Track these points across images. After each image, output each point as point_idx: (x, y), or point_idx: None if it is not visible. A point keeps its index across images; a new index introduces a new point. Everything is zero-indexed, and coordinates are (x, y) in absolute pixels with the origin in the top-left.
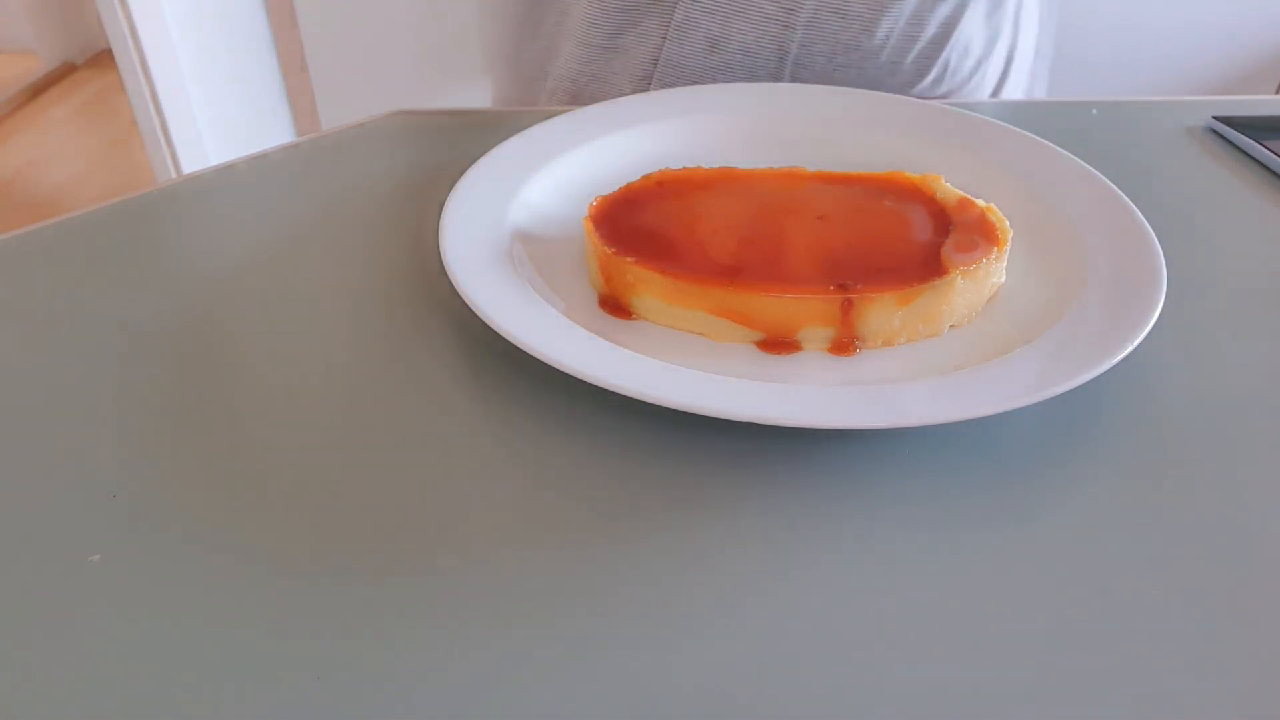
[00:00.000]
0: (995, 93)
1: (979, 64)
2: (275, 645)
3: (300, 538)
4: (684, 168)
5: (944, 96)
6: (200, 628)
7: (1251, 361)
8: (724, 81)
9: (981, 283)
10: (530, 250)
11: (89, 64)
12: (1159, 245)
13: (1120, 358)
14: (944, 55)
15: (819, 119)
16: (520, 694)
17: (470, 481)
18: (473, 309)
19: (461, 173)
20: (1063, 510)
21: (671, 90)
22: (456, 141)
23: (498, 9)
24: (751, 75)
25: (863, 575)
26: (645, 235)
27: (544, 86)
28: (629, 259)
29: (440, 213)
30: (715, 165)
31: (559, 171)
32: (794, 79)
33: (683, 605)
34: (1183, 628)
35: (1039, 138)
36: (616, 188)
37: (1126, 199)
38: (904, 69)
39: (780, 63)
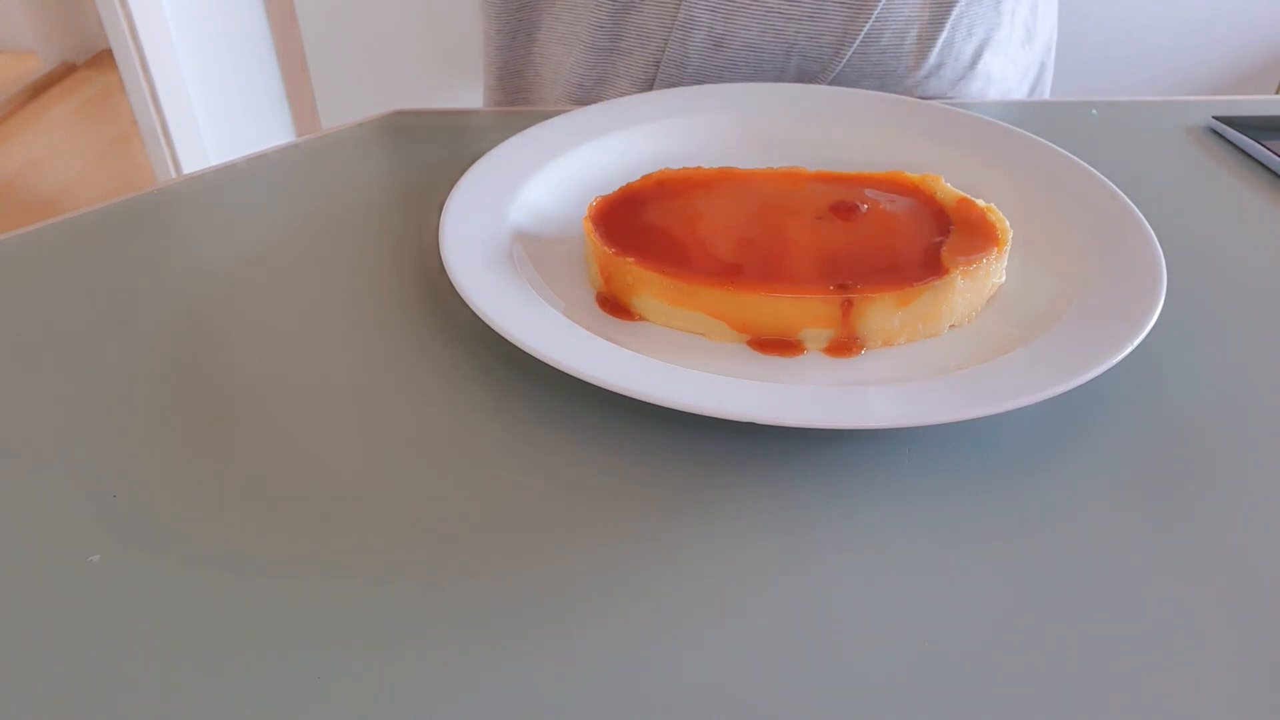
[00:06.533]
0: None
1: (981, 47)
2: (274, 645)
3: (300, 537)
4: (684, 168)
5: (950, 85)
6: (200, 628)
7: (1251, 361)
8: (729, 79)
9: (981, 283)
10: (530, 250)
11: (89, 64)
12: (1159, 245)
13: (1120, 358)
14: (944, 35)
15: (819, 119)
16: (520, 692)
17: (468, 481)
18: (473, 309)
19: (461, 173)
20: (1063, 510)
21: (672, 90)
22: (456, 141)
23: (489, 21)
24: (757, 70)
25: (863, 575)
26: (645, 235)
27: (539, 94)
28: (629, 259)
29: (440, 213)
30: (715, 165)
31: (559, 171)
32: (799, 71)
33: (683, 604)
34: (1183, 628)
35: (1039, 138)
36: (616, 188)
37: (1126, 199)
38: (905, 51)
39: (786, 56)
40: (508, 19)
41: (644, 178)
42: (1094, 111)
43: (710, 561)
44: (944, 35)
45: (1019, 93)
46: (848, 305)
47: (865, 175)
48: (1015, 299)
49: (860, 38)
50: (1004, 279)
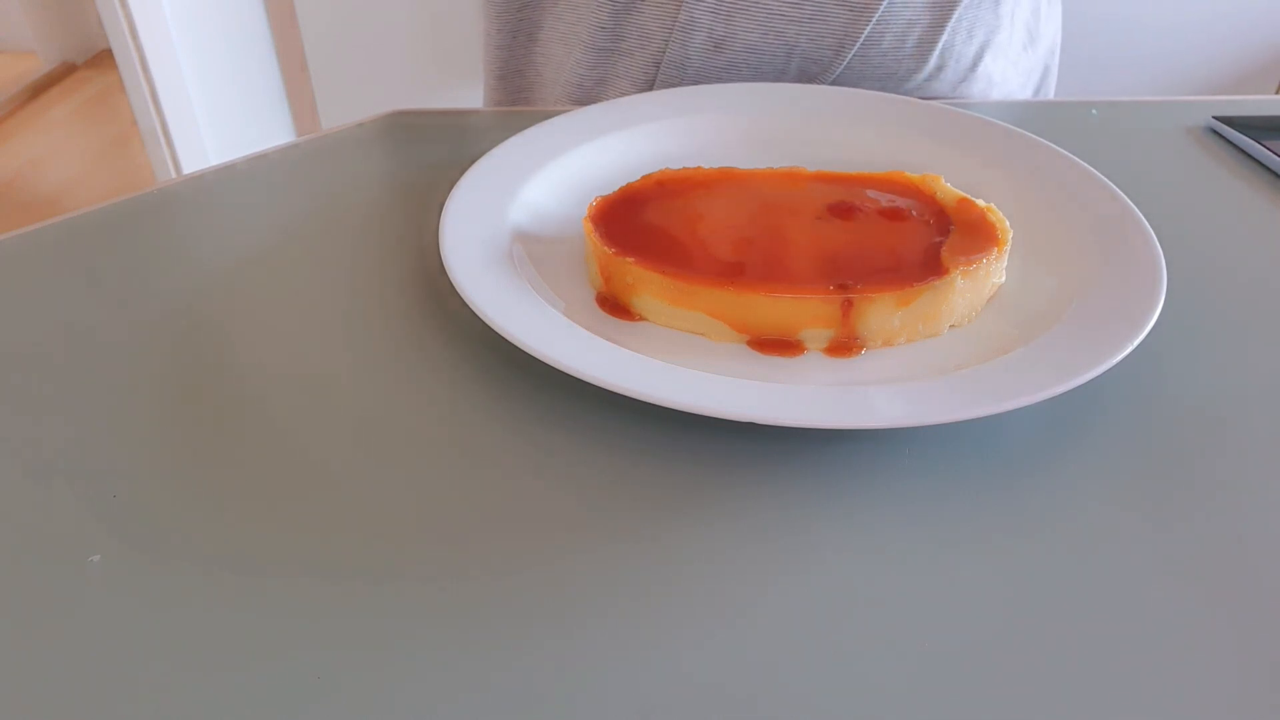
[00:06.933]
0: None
1: (981, 50)
2: (274, 645)
3: (299, 537)
4: (684, 168)
5: (951, 88)
6: (200, 628)
7: (1251, 361)
8: (729, 81)
9: (981, 283)
10: (530, 250)
11: (89, 64)
12: (1159, 245)
13: (1120, 358)
14: (945, 38)
15: (819, 119)
16: (520, 692)
17: (468, 481)
18: (473, 309)
19: (461, 173)
20: (1063, 510)
21: (672, 90)
22: (456, 141)
23: (490, 20)
24: (757, 72)
25: (863, 575)
26: (645, 235)
27: (540, 94)
28: (629, 259)
29: (440, 213)
30: (715, 165)
31: (559, 171)
32: (800, 73)
33: (683, 604)
34: (1183, 628)
35: (1039, 138)
36: (616, 188)
37: (1126, 199)
38: (906, 53)
39: (787, 59)
40: (508, 18)
41: (644, 178)
42: (1094, 111)
43: (710, 561)
44: (944, 38)
45: (1022, 95)
46: (848, 305)
47: (865, 175)
48: (1015, 299)
49: (861, 40)
50: (1004, 279)
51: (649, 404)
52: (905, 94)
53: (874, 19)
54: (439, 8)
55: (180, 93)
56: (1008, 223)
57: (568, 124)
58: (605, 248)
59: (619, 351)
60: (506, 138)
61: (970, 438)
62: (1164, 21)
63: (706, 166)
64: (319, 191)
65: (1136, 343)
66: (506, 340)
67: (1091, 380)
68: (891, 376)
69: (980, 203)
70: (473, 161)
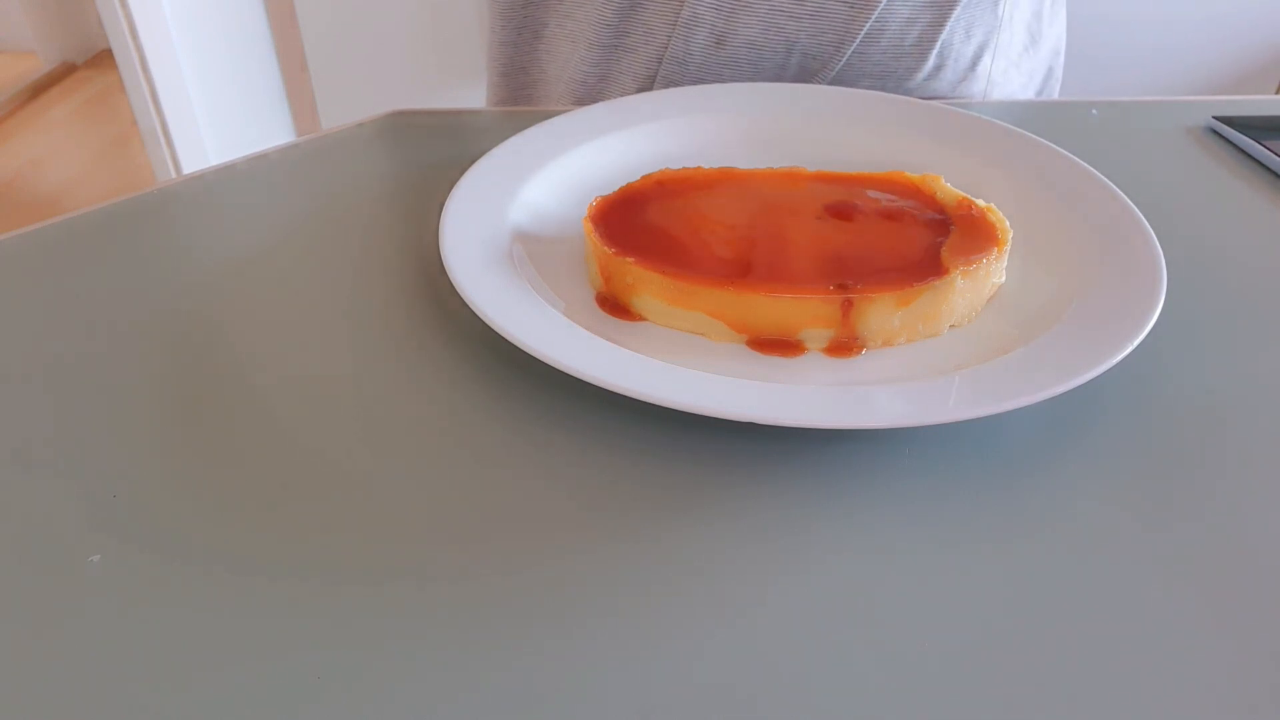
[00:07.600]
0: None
1: (980, 50)
2: (274, 645)
3: (299, 537)
4: (684, 168)
5: (951, 87)
6: (199, 628)
7: (1251, 361)
8: (730, 76)
9: (981, 283)
10: (530, 250)
11: (89, 64)
12: (1159, 245)
13: (1120, 358)
14: (943, 36)
15: (819, 119)
16: (520, 692)
17: (468, 481)
18: (473, 309)
19: (461, 173)
20: (1063, 510)
21: (672, 90)
22: (456, 141)
23: (495, 18)
24: (757, 68)
25: (863, 575)
26: (645, 235)
27: (543, 91)
28: (629, 259)
29: (440, 213)
30: (715, 165)
31: (559, 171)
32: (800, 69)
33: (683, 605)
34: (1183, 628)
35: (1039, 138)
36: (616, 188)
37: (1126, 199)
38: (906, 51)
39: (787, 55)
40: (513, 15)
41: (644, 178)
42: (1094, 111)
43: (710, 561)
44: (943, 36)
45: (1024, 97)
46: (848, 305)
47: (865, 175)
48: (1015, 299)
49: (861, 36)
50: (1004, 279)
51: (649, 404)
52: (905, 93)
53: (873, 15)
54: (439, 7)
55: (180, 93)
56: (1008, 223)
57: (568, 124)
58: (605, 248)
59: (619, 351)
60: (507, 138)
61: (970, 438)
62: (1164, 21)
63: (706, 166)
64: (319, 191)
65: (1136, 343)
66: (506, 340)
67: (1091, 380)
68: (891, 376)
69: (980, 203)
70: (473, 161)
